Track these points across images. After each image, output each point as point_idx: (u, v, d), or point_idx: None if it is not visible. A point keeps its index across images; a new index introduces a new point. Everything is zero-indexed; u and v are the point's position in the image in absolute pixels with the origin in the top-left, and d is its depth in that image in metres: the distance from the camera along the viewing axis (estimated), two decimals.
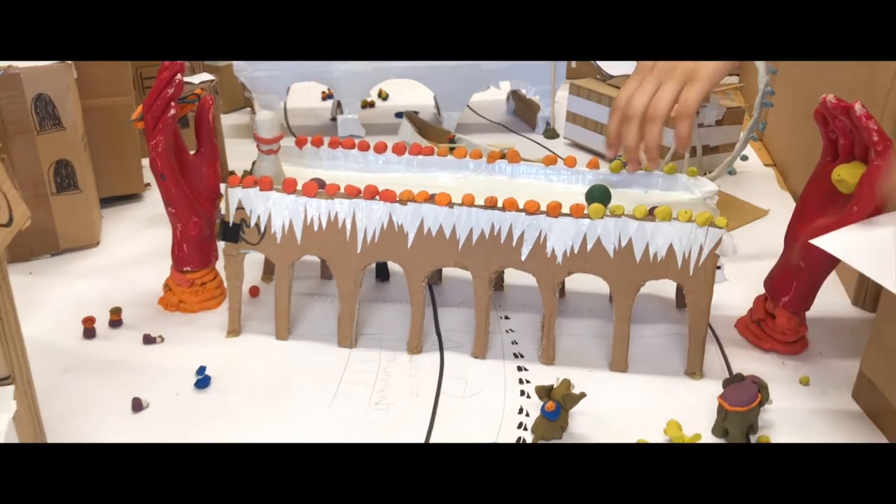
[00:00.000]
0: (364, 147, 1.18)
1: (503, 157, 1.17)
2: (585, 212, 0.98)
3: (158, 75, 1.01)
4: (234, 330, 1.08)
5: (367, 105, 2.05)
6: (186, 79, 1.27)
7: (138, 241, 1.33)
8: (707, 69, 0.99)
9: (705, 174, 1.33)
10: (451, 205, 1.00)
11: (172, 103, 0.97)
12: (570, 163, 1.14)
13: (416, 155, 1.18)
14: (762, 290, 1.08)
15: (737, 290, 1.14)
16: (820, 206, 0.98)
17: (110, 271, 1.23)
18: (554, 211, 0.98)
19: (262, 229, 1.04)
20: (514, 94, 1.96)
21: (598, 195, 1.07)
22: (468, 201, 1.00)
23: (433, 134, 1.76)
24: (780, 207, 1.45)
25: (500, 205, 0.99)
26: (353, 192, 1.01)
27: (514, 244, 1.00)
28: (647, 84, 1.02)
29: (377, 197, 1.01)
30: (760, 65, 1.19)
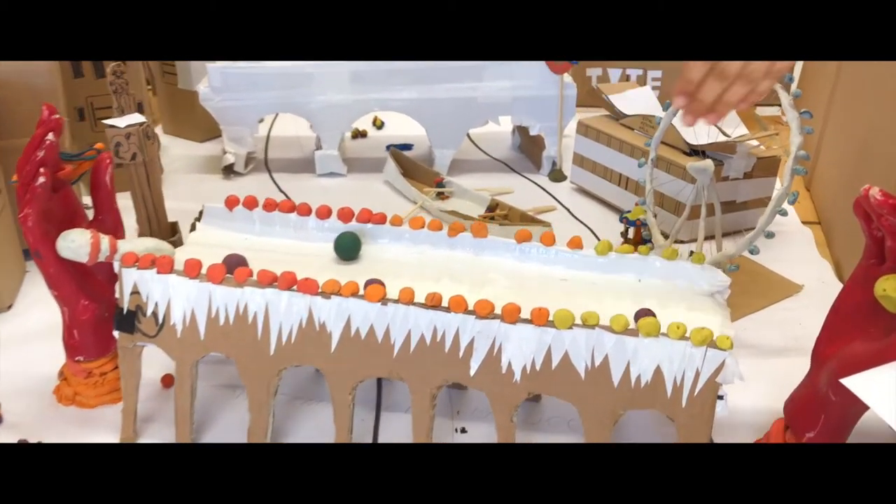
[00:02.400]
0: (304, 211, 0.98)
1: (471, 227, 0.96)
2: (550, 318, 0.77)
3: (37, 129, 0.83)
4: (129, 436, 0.90)
5: (359, 135, 1.85)
6: (111, 121, 1.10)
7: None
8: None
9: (720, 250, 1.11)
10: (383, 301, 0.80)
11: (42, 169, 0.79)
12: (547, 240, 0.93)
13: (364, 222, 0.98)
14: (781, 405, 0.85)
15: (750, 397, 0.92)
16: (858, 322, 0.75)
17: (9, 346, 1.05)
18: (510, 315, 0.77)
19: (161, 319, 0.86)
20: (520, 128, 1.74)
21: (345, 245, 0.92)
22: (406, 298, 0.79)
23: (420, 174, 1.56)
24: (818, 282, 1.21)
25: (444, 304, 0.79)
26: (266, 280, 0.82)
27: (461, 354, 0.79)
28: None
29: (295, 287, 0.82)
30: (793, 121, 0.96)
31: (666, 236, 1.20)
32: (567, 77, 1.54)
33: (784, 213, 1.00)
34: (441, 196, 1.48)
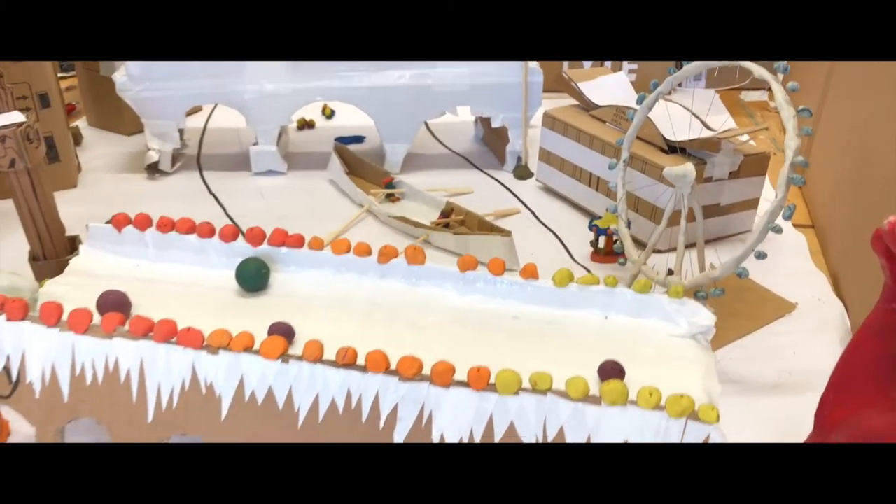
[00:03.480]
0: (206, 233, 0.82)
1: (405, 251, 0.80)
2: (492, 381, 0.61)
3: None
4: None
5: (305, 126, 1.68)
6: None
7: None
8: None
9: (702, 266, 0.95)
10: (284, 358, 0.64)
11: None
12: (496, 269, 0.77)
13: (278, 245, 0.81)
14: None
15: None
16: (874, 382, 0.60)
17: None
18: (442, 378, 0.61)
19: (15, 376, 0.69)
20: (482, 119, 1.58)
21: (248, 275, 0.78)
22: (312, 354, 0.63)
23: (368, 173, 1.39)
24: (814, 300, 1.06)
25: (360, 361, 0.63)
26: (139, 330, 0.66)
27: (381, 423, 0.63)
28: None
29: (175, 339, 0.65)
30: (789, 122, 0.81)
31: (642, 245, 1.05)
32: (532, 62, 1.37)
33: (778, 230, 0.85)
34: (391, 198, 1.32)
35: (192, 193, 1.36)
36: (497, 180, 1.42)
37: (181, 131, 1.45)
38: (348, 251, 0.80)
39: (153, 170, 1.41)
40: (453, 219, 1.23)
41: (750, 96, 1.86)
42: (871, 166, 1.07)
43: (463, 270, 0.77)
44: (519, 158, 1.44)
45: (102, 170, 1.45)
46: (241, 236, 0.82)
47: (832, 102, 1.31)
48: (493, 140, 1.54)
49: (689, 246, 1.02)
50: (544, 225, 1.26)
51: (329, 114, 1.73)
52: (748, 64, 0.88)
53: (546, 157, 1.35)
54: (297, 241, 0.81)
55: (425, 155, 1.53)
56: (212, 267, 0.82)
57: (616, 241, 1.09)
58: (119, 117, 1.58)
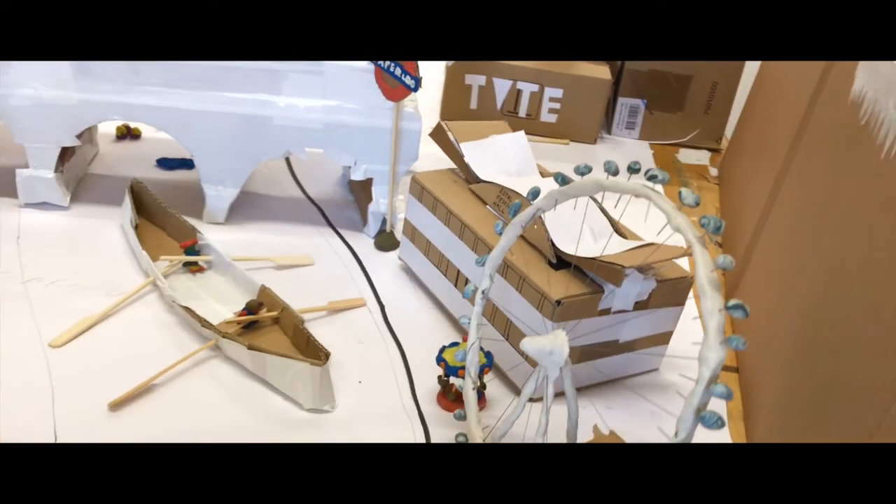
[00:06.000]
0: None
1: None
2: None
3: None
4: None
5: (127, 134, 1.31)
6: None
7: None
8: None
9: None
10: None
11: None
12: None
13: None
14: None
15: None
16: None
17: None
18: None
19: None
20: None
21: None
22: None
23: (171, 226, 1.04)
24: None
25: None
26: None
27: None
28: None
29: None
30: (697, 248, 0.51)
31: (516, 390, 0.74)
32: (409, 105, 1.04)
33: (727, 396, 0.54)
34: (192, 268, 0.98)
35: None
36: (350, 249, 1.09)
37: None
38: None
39: None
40: (263, 315, 0.89)
41: (689, 157, 1.57)
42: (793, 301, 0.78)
43: None
44: (383, 222, 1.11)
45: None
46: None
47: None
48: (358, 191, 1.21)
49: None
50: (392, 335, 0.94)
51: (137, 133, 1.33)
52: (656, 197, 0.57)
53: (410, 232, 1.02)
54: None
55: (267, 197, 1.19)
56: None
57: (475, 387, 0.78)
58: None
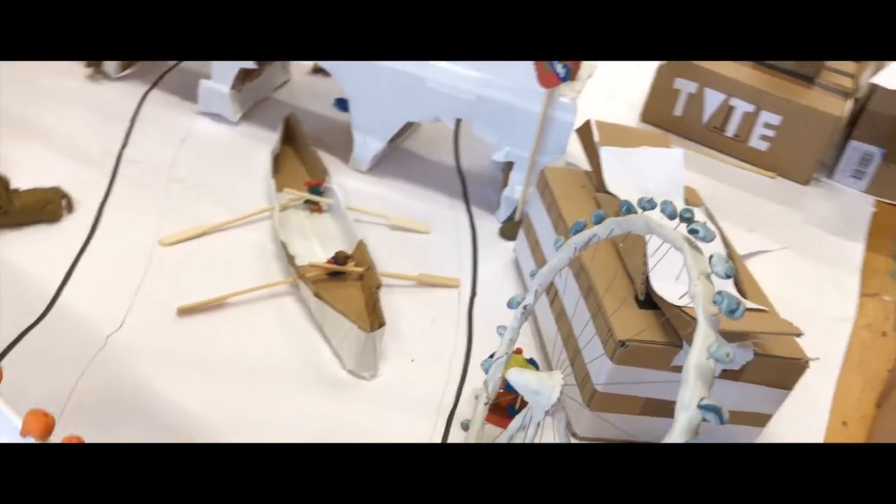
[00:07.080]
0: None
1: None
2: None
3: None
4: None
5: (321, 70, 1.35)
6: None
7: None
8: None
9: None
10: None
11: None
12: None
13: None
14: None
15: None
16: None
17: None
18: None
19: None
20: None
21: None
22: None
23: (309, 162, 1.08)
24: None
25: None
26: None
27: None
28: None
29: None
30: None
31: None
32: (567, 95, 0.97)
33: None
34: (312, 206, 1.01)
35: (116, 110, 1.12)
36: (472, 228, 1.06)
37: None
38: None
39: (97, 70, 1.18)
40: (349, 268, 0.90)
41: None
42: None
43: None
44: (514, 211, 1.06)
45: None
46: None
47: None
48: (505, 174, 1.16)
49: None
50: (469, 325, 0.90)
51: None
52: (689, 254, 0.47)
53: (527, 227, 0.97)
54: None
55: (420, 159, 1.18)
56: None
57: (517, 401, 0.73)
58: None
